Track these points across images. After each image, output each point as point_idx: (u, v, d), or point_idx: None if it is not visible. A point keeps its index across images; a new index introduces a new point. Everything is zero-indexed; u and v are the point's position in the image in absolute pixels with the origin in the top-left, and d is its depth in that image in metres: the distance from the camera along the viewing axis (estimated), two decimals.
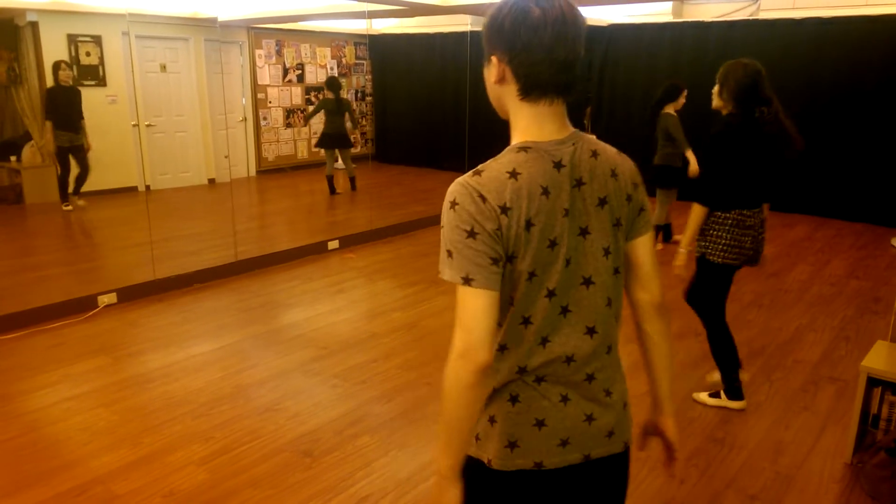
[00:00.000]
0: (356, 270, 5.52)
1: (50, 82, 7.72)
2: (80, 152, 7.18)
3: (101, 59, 8.08)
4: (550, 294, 1.22)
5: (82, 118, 7.21)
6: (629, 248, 1.33)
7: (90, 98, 7.95)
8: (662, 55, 7.94)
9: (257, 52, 9.79)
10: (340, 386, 3.46)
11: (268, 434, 2.97)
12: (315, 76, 10.68)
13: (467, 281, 1.17)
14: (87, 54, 7.99)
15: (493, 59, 1.23)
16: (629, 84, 8.56)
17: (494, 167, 1.22)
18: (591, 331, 1.28)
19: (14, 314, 4.20)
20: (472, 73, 9.78)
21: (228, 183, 9.10)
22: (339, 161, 8.91)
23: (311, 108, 9.58)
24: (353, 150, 8.80)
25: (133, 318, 4.41)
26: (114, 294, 4.60)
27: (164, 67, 8.60)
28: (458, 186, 1.20)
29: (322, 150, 8.59)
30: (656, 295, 1.39)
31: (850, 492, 2.61)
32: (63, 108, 7.03)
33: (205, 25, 8.70)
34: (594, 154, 1.26)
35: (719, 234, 2.96)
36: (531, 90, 1.21)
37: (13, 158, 7.85)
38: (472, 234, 1.16)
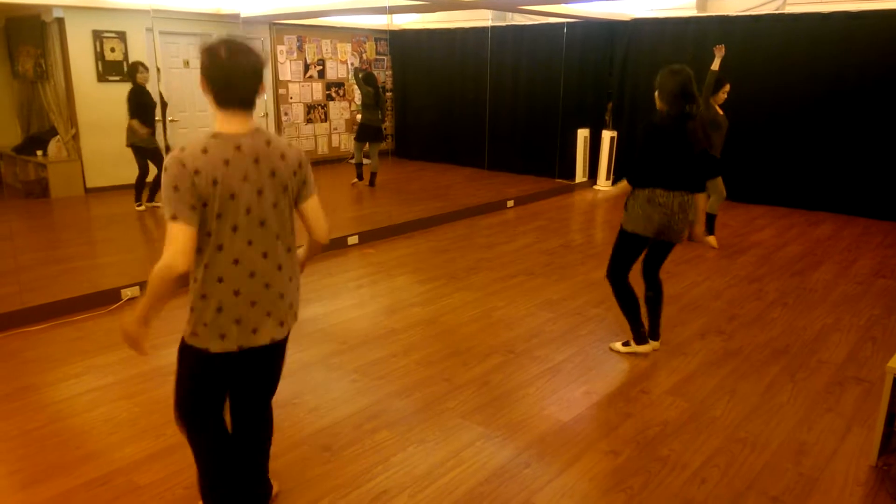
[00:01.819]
0: (375, 266, 5.53)
1: (78, 78, 7.84)
2: (157, 156, 7.16)
3: (126, 54, 8.17)
4: (234, 229, 1.93)
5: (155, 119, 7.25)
6: (301, 209, 2.10)
7: (114, 94, 8.06)
8: (686, 50, 7.83)
9: (279, 47, 9.85)
10: (360, 381, 3.47)
11: (287, 427, 2.99)
12: (336, 72, 10.72)
13: (174, 217, 1.84)
14: (112, 50, 8.08)
15: (201, 77, 1.91)
16: (651, 79, 8.44)
17: (192, 146, 1.88)
18: (265, 255, 2.00)
19: (40, 306, 4.27)
20: (492, 68, 9.75)
21: None
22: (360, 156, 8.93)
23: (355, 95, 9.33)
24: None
25: None
26: (137, 287, 4.66)
27: (187, 63, 8.68)
28: (170, 158, 1.86)
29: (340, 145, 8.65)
30: (321, 237, 2.18)
31: (875, 495, 2.56)
32: (147, 108, 7.03)
33: (227, 21, 8.76)
34: (268, 143, 1.97)
35: (634, 207, 3.53)
36: (220, 102, 1.92)
37: (39, 153, 7.97)
38: (175, 189, 1.84)
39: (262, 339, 2.06)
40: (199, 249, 1.94)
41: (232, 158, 1.89)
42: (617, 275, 3.69)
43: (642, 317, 3.77)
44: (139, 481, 2.61)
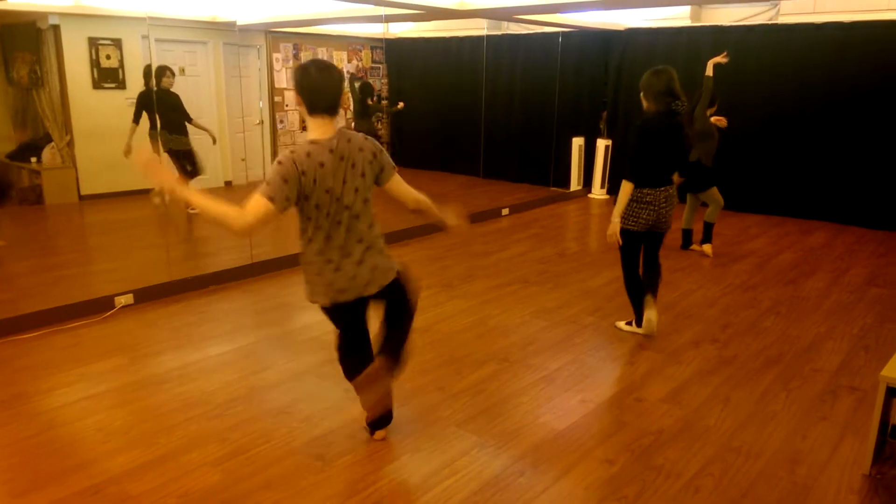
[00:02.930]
0: None
1: (73, 85, 7.83)
2: (190, 156, 7.22)
3: (121, 62, 8.18)
4: (328, 215, 2.50)
5: (189, 119, 7.29)
6: (387, 188, 2.67)
7: (110, 101, 8.07)
8: (679, 60, 7.87)
9: (275, 55, 9.86)
10: (352, 390, 3.45)
11: (281, 436, 2.98)
12: None
13: (271, 199, 2.36)
14: (108, 57, 8.09)
15: (295, 93, 2.49)
16: None
17: (300, 150, 2.43)
18: (348, 230, 2.56)
19: (33, 314, 4.25)
20: (487, 77, 9.79)
21: (245, 185, 9.16)
22: None
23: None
24: None
25: (150, 318, 4.44)
26: (131, 295, 4.64)
27: (182, 71, 8.67)
28: (285, 156, 2.40)
29: None
30: (412, 203, 2.74)
31: (869, 503, 2.57)
32: (168, 112, 7.04)
33: (223, 29, 8.78)
34: (349, 141, 2.51)
35: (627, 208, 3.83)
36: (311, 111, 2.47)
37: (34, 160, 7.95)
38: (285, 181, 2.38)
39: (349, 295, 2.63)
40: (303, 230, 2.55)
41: (326, 161, 2.43)
42: (625, 269, 4.07)
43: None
44: (132, 490, 2.60)
